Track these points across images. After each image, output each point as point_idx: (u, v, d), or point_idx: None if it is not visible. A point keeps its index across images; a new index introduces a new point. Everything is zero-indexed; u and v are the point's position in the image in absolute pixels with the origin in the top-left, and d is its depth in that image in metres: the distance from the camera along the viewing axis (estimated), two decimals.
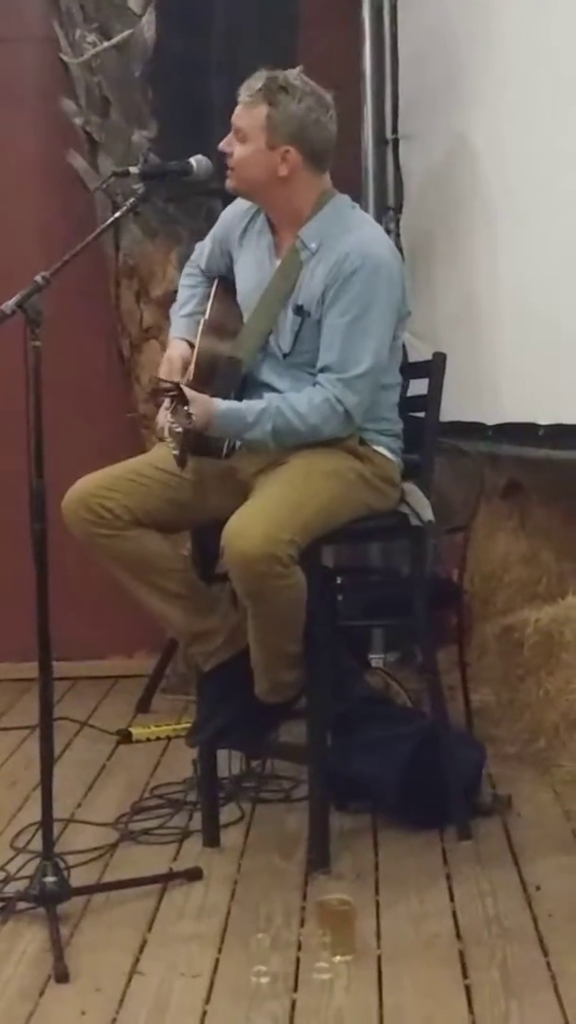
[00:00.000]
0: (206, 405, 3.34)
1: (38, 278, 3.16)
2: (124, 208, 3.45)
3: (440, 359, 3.73)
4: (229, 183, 3.54)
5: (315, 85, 3.50)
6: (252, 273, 3.60)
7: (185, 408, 3.20)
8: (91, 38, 4.90)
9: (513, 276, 4.29)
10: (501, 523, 4.59)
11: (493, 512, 4.58)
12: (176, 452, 3.24)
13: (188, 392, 3.25)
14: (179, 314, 3.76)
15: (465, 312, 4.50)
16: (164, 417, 3.42)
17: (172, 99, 4.61)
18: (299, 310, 3.48)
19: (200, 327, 3.62)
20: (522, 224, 4.24)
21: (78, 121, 5.03)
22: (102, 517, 3.41)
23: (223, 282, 3.71)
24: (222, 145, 3.51)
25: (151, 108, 4.83)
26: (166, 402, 3.36)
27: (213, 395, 3.39)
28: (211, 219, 4.79)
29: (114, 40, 4.85)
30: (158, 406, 4.86)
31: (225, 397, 3.43)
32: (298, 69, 3.51)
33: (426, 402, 3.71)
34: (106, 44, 4.86)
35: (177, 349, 3.65)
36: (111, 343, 5.13)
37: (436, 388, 3.71)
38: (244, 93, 3.48)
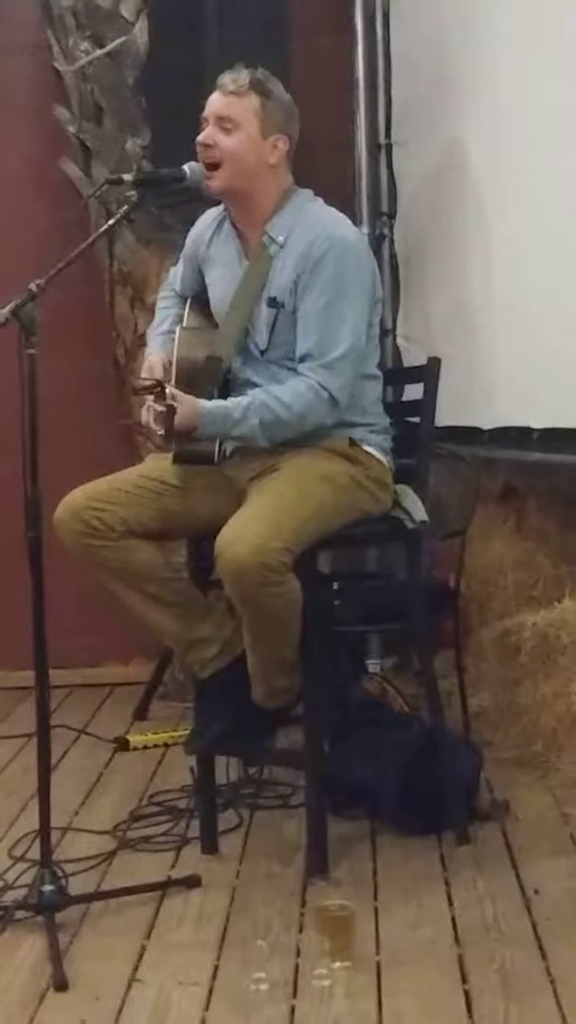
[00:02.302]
0: (192, 405, 3.35)
1: (32, 286, 3.16)
2: (118, 215, 3.45)
3: (435, 364, 3.74)
4: (215, 183, 3.50)
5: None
6: (223, 278, 3.61)
7: (164, 403, 3.24)
8: (84, 46, 4.91)
9: (506, 280, 4.30)
10: (497, 527, 4.59)
11: (489, 516, 4.58)
12: (161, 434, 3.29)
13: (170, 390, 3.28)
14: (156, 332, 3.77)
15: (459, 316, 4.50)
16: (147, 415, 3.43)
17: (165, 106, 4.62)
18: (273, 302, 3.49)
19: (177, 336, 3.62)
20: (515, 229, 4.25)
21: (71, 129, 5.03)
22: (95, 529, 3.40)
23: (196, 298, 3.73)
24: (202, 138, 3.48)
25: (144, 115, 4.83)
26: (149, 400, 3.38)
27: (197, 397, 3.40)
28: None
29: (107, 48, 4.85)
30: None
31: (209, 397, 3.44)
32: (259, 71, 3.53)
33: (421, 407, 3.72)
34: (99, 52, 4.87)
35: (156, 354, 3.66)
36: (105, 350, 5.13)
37: (431, 393, 3.72)
38: (230, 84, 3.48)
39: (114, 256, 4.97)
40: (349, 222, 3.62)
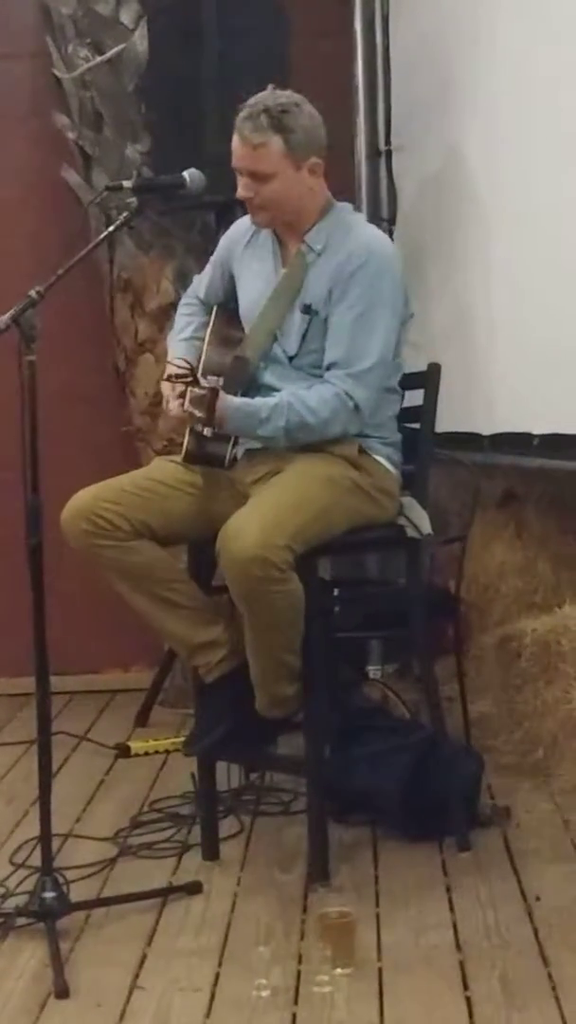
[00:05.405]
0: (221, 399, 3.34)
1: (32, 293, 3.16)
2: (118, 222, 3.45)
3: (435, 370, 3.74)
4: (261, 220, 3.55)
5: (290, 92, 3.53)
6: (257, 282, 3.62)
7: (206, 387, 3.24)
8: (84, 53, 4.91)
9: (507, 286, 4.30)
10: (497, 533, 4.58)
11: (489, 522, 4.58)
12: (200, 417, 3.27)
13: (203, 380, 3.29)
14: (176, 338, 3.77)
15: (459, 323, 4.50)
16: (176, 406, 3.43)
17: (165, 113, 4.62)
18: (307, 309, 3.51)
19: (206, 338, 3.63)
20: (516, 234, 4.25)
21: (71, 136, 5.04)
22: (102, 528, 3.41)
23: (223, 306, 3.73)
24: (242, 194, 3.50)
25: (144, 122, 4.84)
26: (179, 389, 3.39)
27: None
28: (205, 232, 4.83)
29: (107, 55, 4.86)
30: (155, 419, 4.94)
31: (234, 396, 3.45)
32: (269, 88, 3.50)
33: (421, 413, 3.72)
34: (99, 59, 4.87)
35: (177, 361, 3.65)
36: (106, 357, 5.13)
37: (431, 399, 3.72)
38: (251, 136, 3.44)
39: (114, 263, 4.97)
40: (387, 238, 3.66)
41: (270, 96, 3.48)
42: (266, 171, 3.46)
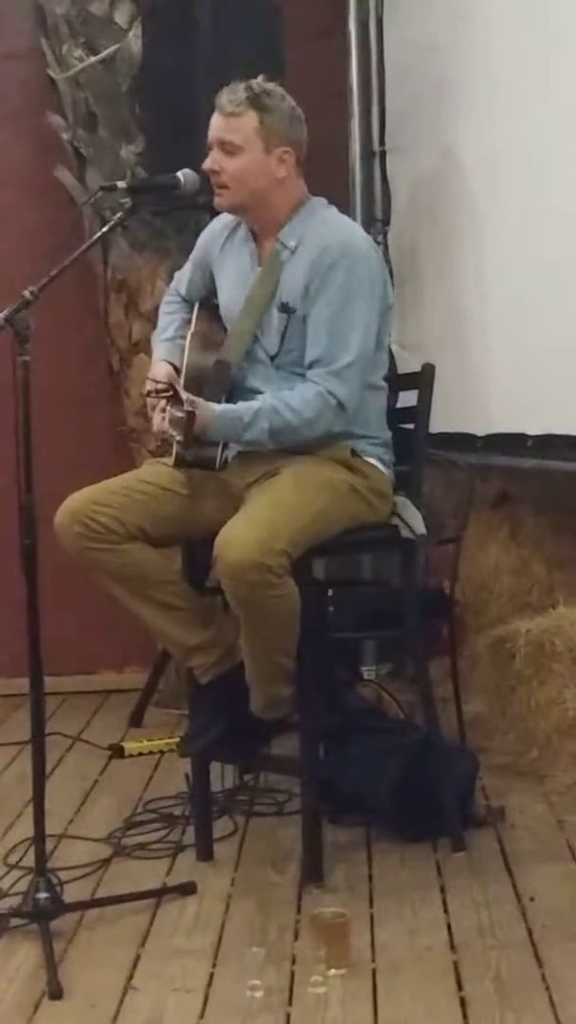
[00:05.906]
0: (203, 408, 3.35)
1: (26, 293, 3.15)
2: (112, 222, 3.45)
3: (429, 370, 3.74)
4: (223, 201, 3.52)
5: (276, 85, 3.54)
6: (235, 281, 3.61)
7: (180, 408, 3.25)
8: (78, 53, 4.92)
9: (501, 287, 4.30)
10: (492, 534, 4.59)
11: (484, 523, 4.58)
12: (179, 439, 3.30)
13: (186, 395, 3.29)
14: (160, 339, 3.77)
15: (454, 323, 4.51)
16: (159, 420, 3.44)
17: (159, 113, 4.62)
18: (284, 307, 3.50)
19: (187, 342, 3.63)
20: (510, 234, 4.25)
21: (66, 136, 5.04)
22: (95, 531, 3.40)
23: (204, 303, 3.72)
24: (207, 165, 3.49)
25: (138, 122, 4.84)
26: (160, 405, 3.40)
27: (206, 401, 3.41)
28: (199, 232, 4.82)
29: (101, 55, 4.86)
30: (148, 420, 4.94)
31: (218, 402, 3.45)
32: (260, 77, 3.52)
33: (415, 414, 3.72)
34: (93, 59, 4.88)
35: (161, 367, 3.67)
36: (100, 357, 5.13)
37: (425, 400, 3.72)
38: (227, 105, 3.46)
39: (108, 263, 4.97)
40: (362, 230, 3.66)
41: (256, 80, 3.50)
42: (235, 142, 3.46)
